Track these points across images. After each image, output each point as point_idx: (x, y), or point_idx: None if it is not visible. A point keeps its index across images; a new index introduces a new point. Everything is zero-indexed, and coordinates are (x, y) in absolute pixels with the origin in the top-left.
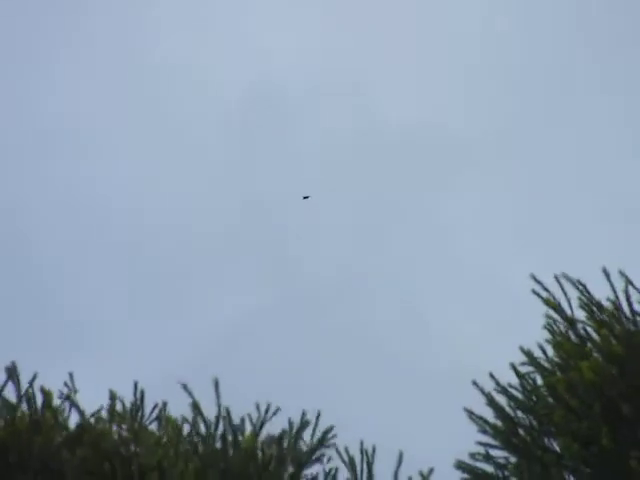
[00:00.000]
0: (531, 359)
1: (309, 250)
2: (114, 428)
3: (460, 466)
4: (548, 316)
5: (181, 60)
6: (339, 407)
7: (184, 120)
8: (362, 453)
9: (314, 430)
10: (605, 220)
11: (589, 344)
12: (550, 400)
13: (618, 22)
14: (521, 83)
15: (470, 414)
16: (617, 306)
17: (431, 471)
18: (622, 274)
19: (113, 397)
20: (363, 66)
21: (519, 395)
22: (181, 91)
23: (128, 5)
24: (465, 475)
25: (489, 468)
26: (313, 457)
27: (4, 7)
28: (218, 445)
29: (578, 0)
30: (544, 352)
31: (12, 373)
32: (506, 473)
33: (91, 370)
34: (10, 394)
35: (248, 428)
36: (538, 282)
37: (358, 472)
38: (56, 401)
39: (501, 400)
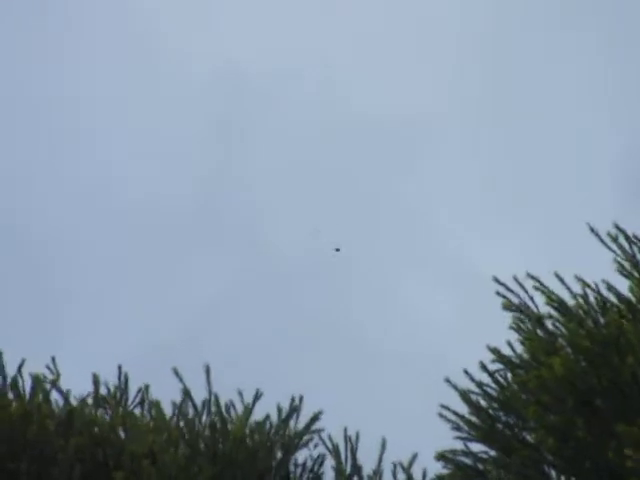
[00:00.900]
0: (500, 356)
1: (281, 233)
2: (101, 413)
3: (442, 457)
4: (514, 316)
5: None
6: (320, 392)
7: (155, 105)
8: (346, 440)
9: (297, 415)
10: (582, 189)
11: (560, 340)
12: (523, 396)
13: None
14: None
15: (446, 410)
16: (586, 298)
17: (414, 457)
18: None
19: (97, 382)
20: (333, 52)
21: (493, 392)
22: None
23: None
24: (447, 467)
25: (468, 461)
26: (300, 443)
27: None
28: (207, 432)
29: None
30: (512, 349)
31: None
32: (487, 467)
33: (73, 345)
34: None
35: (233, 414)
36: (501, 284)
37: (342, 459)
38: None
39: (475, 396)
